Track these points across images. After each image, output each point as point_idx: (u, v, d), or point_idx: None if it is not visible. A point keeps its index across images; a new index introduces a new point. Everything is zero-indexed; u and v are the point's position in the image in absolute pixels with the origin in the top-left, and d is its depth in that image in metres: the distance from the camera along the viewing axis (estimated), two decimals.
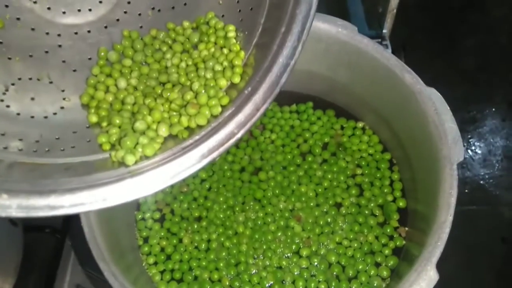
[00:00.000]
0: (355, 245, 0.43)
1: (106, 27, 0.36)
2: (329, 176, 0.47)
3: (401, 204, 0.45)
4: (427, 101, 0.38)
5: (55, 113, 0.33)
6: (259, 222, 0.45)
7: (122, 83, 0.34)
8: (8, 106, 0.32)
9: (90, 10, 0.35)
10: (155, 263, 0.44)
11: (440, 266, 0.32)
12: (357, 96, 0.48)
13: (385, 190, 0.46)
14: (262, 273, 0.43)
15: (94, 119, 0.33)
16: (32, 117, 0.33)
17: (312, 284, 0.42)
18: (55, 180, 0.28)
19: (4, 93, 0.32)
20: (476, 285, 0.61)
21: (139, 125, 0.31)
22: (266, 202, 0.46)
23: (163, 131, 0.30)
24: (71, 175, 0.28)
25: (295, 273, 0.42)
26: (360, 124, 0.50)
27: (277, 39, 0.29)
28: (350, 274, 0.42)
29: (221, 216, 0.46)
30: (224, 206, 0.46)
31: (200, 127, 0.30)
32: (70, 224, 0.54)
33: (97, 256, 0.34)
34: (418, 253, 0.36)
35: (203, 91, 0.32)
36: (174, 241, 0.45)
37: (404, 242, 0.43)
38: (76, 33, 0.35)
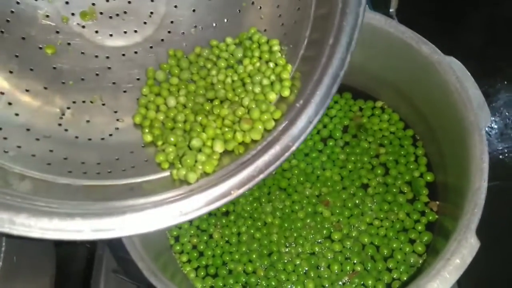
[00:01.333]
0: (387, 224, 0.43)
1: (151, 47, 0.37)
2: (353, 158, 0.47)
3: (429, 178, 0.44)
4: (447, 70, 0.38)
5: (111, 135, 0.34)
6: (287, 211, 0.45)
7: (172, 102, 0.35)
8: (66, 130, 0.33)
9: (135, 31, 0.36)
10: (189, 261, 0.44)
11: (479, 234, 0.31)
12: (373, 75, 0.47)
13: (411, 167, 0.45)
14: (296, 261, 0.42)
15: (149, 138, 0.34)
16: (90, 139, 0.33)
17: (348, 267, 0.41)
18: (123, 200, 0.28)
19: (61, 117, 0.33)
20: None
21: (195, 142, 0.31)
22: (292, 190, 0.46)
23: (219, 147, 0.31)
24: (137, 196, 0.28)
25: (329, 257, 0.42)
26: (379, 104, 0.49)
27: (326, 51, 0.29)
28: (385, 253, 0.42)
29: (248, 208, 0.46)
30: (250, 199, 0.46)
31: (254, 142, 0.31)
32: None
33: (135, 257, 0.34)
34: (453, 226, 0.36)
35: (254, 105, 0.32)
36: (205, 238, 0.45)
37: (436, 216, 0.43)
38: (123, 54, 0.36)
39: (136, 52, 0.36)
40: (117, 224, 0.26)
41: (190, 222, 0.46)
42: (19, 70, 0.33)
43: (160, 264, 0.40)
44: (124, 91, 0.36)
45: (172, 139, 0.32)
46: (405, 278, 0.40)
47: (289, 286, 0.41)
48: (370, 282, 0.40)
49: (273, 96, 0.33)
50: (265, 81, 0.34)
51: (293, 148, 0.28)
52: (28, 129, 0.32)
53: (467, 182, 0.34)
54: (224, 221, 0.45)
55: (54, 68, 0.34)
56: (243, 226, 0.45)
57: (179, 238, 0.45)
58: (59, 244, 0.52)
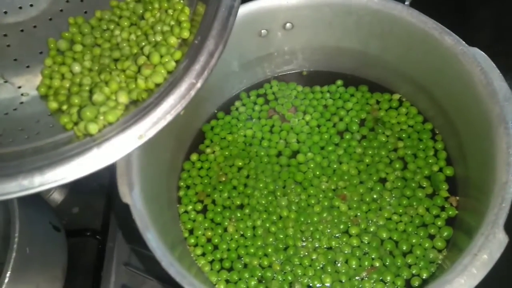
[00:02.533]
0: (406, 219, 0.42)
1: (51, 19, 0.36)
2: (370, 152, 0.46)
3: (449, 172, 0.44)
4: (471, 62, 0.37)
5: (15, 109, 0.33)
6: (302, 205, 0.44)
7: (77, 68, 0.34)
8: None
9: (31, 5, 0.35)
10: (203, 254, 0.43)
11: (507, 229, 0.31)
12: (391, 67, 0.47)
13: (430, 161, 0.44)
14: (313, 255, 0.42)
15: (54, 105, 0.33)
16: None
17: (366, 262, 0.40)
18: (23, 160, 0.28)
19: None
20: None
21: (97, 97, 0.30)
22: (308, 184, 0.45)
23: (123, 98, 0.30)
24: (38, 154, 0.28)
25: (347, 252, 0.41)
26: (396, 96, 0.48)
27: None
28: (404, 249, 0.41)
29: (263, 202, 0.45)
30: (265, 192, 0.45)
31: (158, 85, 0.30)
32: (109, 226, 0.54)
33: (152, 246, 0.33)
34: (476, 221, 0.35)
35: (153, 50, 0.32)
36: (219, 231, 0.44)
37: (456, 211, 0.42)
38: (22, 30, 0.35)
39: (35, 26, 0.36)
40: (15, 184, 0.26)
41: (204, 215, 0.45)
42: None
43: (176, 256, 0.39)
44: (27, 66, 0.35)
45: (76, 100, 0.32)
46: (424, 275, 0.39)
47: (306, 281, 0.41)
48: (389, 277, 0.40)
49: (174, 40, 0.33)
50: (166, 28, 0.34)
51: (198, 85, 0.28)
52: None
53: (493, 176, 0.33)
54: (238, 215, 0.45)
55: None
56: (258, 219, 0.44)
57: (193, 231, 0.45)
58: (70, 235, 0.52)
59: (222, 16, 0.29)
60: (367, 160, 0.45)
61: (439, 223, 0.41)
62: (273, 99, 0.51)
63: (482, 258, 0.30)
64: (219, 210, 0.45)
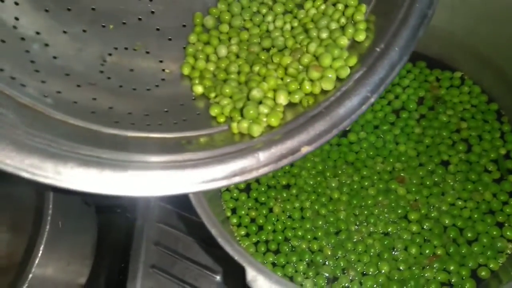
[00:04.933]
0: (471, 205, 0.38)
1: None
2: (430, 133, 0.42)
3: None
4: None
5: (157, 85, 0.31)
6: (355, 187, 0.41)
7: (223, 51, 0.32)
8: (109, 78, 0.30)
9: None
10: (247, 235, 0.40)
11: None
12: (455, 41, 0.43)
13: (497, 143, 0.41)
14: (368, 240, 0.38)
15: (199, 89, 0.31)
16: (135, 89, 0.31)
17: (427, 250, 0.37)
18: (180, 153, 0.25)
19: (102, 64, 0.30)
20: None
21: (256, 93, 0.27)
22: (361, 164, 0.42)
23: (282, 99, 0.27)
24: (195, 150, 0.25)
25: (406, 239, 0.38)
26: (458, 74, 0.45)
27: None
28: (469, 237, 0.37)
29: (311, 182, 0.42)
30: (314, 172, 0.42)
31: (325, 92, 0.27)
32: (139, 204, 0.51)
33: (207, 221, 0.30)
34: None
35: (323, 51, 0.28)
36: (264, 211, 0.41)
37: None
38: None
39: None
40: (178, 179, 0.23)
41: (248, 194, 0.42)
42: (55, 9, 0.30)
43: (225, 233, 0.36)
44: (170, 39, 0.33)
45: (227, 90, 0.29)
46: (492, 265, 0.36)
47: (360, 268, 0.37)
48: (452, 267, 0.36)
49: (344, 41, 0.29)
50: (334, 25, 0.29)
51: (372, 100, 0.25)
52: (67, 74, 0.29)
53: None
54: (285, 195, 0.42)
55: (93, 9, 0.31)
56: (306, 201, 0.41)
57: (236, 211, 0.42)
58: (100, 212, 0.49)
59: (414, 24, 0.25)
60: (427, 141, 0.42)
61: (507, 210, 0.38)
62: None
63: None
64: (263, 189, 0.42)
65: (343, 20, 0.29)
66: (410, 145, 0.42)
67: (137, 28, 0.32)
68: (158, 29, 0.33)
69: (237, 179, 0.24)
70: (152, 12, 0.33)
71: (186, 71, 0.32)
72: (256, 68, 0.30)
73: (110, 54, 0.31)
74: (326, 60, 0.27)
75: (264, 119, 0.26)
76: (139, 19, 0.32)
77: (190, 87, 0.31)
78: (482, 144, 0.41)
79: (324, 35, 0.29)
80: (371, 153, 0.42)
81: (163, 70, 0.32)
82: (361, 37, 0.28)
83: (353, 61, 0.27)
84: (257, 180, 0.43)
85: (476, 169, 0.40)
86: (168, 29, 0.33)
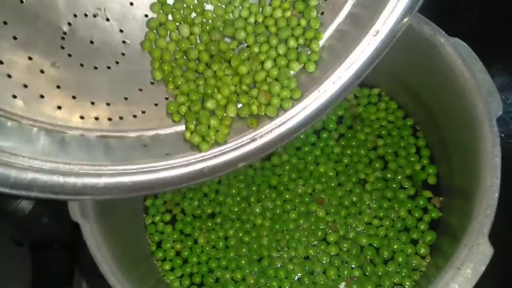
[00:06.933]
0: (387, 223, 0.39)
1: None
2: (349, 152, 0.43)
3: (431, 171, 0.41)
4: (452, 54, 0.34)
5: (117, 62, 0.31)
6: (278, 211, 0.41)
7: (185, 30, 0.32)
8: (70, 55, 0.29)
9: None
10: (172, 269, 0.40)
11: (493, 238, 0.28)
12: None
13: (412, 159, 0.42)
14: (289, 266, 0.39)
15: (158, 75, 0.31)
16: (96, 68, 0.30)
17: (345, 272, 0.38)
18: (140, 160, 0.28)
19: (63, 38, 0.29)
20: None
21: (210, 105, 0.30)
22: (283, 188, 0.42)
23: (231, 112, 0.30)
24: (150, 156, 0.28)
25: (325, 262, 0.39)
26: (375, 91, 0.45)
27: (368, 30, 0.27)
28: (385, 256, 0.38)
29: (236, 209, 0.42)
30: (238, 199, 0.42)
31: (268, 117, 0.29)
32: (79, 238, 0.51)
33: (104, 270, 0.30)
34: (459, 224, 0.32)
35: (275, 73, 0.30)
36: (189, 243, 0.41)
37: (440, 213, 0.39)
38: None
39: None
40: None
41: (173, 226, 0.42)
42: None
43: (139, 273, 0.36)
44: (131, 3, 0.32)
45: (184, 87, 0.30)
46: (407, 283, 0.37)
47: None
48: None
49: (297, 67, 0.30)
50: (292, 43, 0.30)
51: (302, 130, 0.28)
52: (30, 58, 0.28)
53: (477, 178, 0.31)
54: (209, 224, 0.42)
55: None
56: (230, 229, 0.41)
57: (161, 244, 0.42)
58: (34, 250, 0.49)
59: (357, 72, 0.28)
60: (345, 160, 0.42)
61: (422, 227, 0.39)
62: None
63: (465, 273, 0.27)
64: (188, 220, 0.42)
65: (301, 41, 0.30)
66: (330, 165, 0.42)
67: None
68: None
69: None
70: None
71: (147, 46, 0.31)
72: (215, 67, 0.30)
73: (69, 24, 0.30)
74: (275, 88, 0.29)
75: (213, 137, 0.29)
76: None
77: (149, 68, 0.32)
78: (398, 161, 0.42)
79: (281, 51, 0.30)
80: (293, 175, 0.43)
81: (123, 42, 0.31)
82: (311, 67, 0.30)
83: (297, 94, 0.29)
84: (182, 210, 0.43)
85: (391, 186, 0.41)
86: None
